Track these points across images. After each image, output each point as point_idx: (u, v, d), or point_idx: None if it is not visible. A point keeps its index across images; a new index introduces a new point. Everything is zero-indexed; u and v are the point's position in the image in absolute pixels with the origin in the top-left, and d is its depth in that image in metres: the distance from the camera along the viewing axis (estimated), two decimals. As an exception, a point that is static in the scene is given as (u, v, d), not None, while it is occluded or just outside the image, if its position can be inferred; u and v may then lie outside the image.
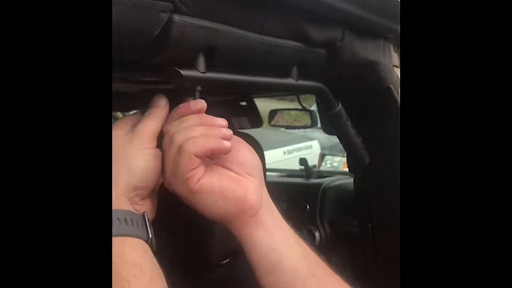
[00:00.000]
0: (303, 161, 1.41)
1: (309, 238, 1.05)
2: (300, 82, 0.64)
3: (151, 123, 0.48)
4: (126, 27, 0.37)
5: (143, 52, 0.43)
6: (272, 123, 1.84)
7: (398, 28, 0.70)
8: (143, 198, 0.47)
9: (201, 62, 0.48)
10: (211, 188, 0.46)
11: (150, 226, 0.45)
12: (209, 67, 0.49)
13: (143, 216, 0.45)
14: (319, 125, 1.51)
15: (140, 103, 0.50)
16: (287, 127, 3.65)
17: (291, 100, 3.55)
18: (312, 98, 1.19)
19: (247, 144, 0.52)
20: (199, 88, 0.49)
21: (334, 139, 1.07)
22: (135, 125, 0.49)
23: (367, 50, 0.71)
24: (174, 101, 0.50)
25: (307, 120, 1.84)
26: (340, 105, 0.80)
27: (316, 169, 1.56)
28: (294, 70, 0.63)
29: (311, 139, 4.13)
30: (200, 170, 0.46)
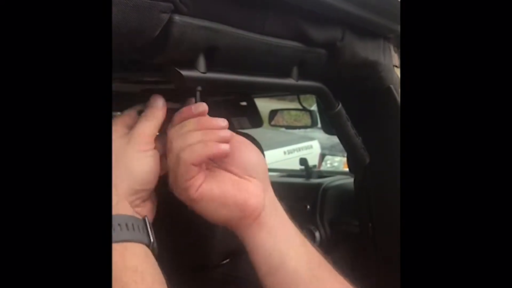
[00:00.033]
0: (303, 161, 1.41)
1: (309, 238, 1.05)
2: (300, 82, 0.64)
3: (148, 124, 0.47)
4: (126, 27, 0.37)
5: (144, 52, 0.43)
6: (273, 123, 1.84)
7: (398, 28, 0.70)
8: (144, 200, 0.47)
9: (201, 62, 0.48)
10: (211, 195, 0.47)
11: (151, 230, 0.45)
12: (210, 67, 0.49)
13: (144, 220, 0.45)
14: (319, 125, 1.50)
15: (140, 103, 0.50)
16: (287, 127, 3.65)
17: (291, 100, 3.55)
18: (312, 98, 1.19)
19: (250, 145, 0.51)
20: (199, 88, 0.49)
21: (334, 139, 1.07)
22: (130, 126, 0.48)
23: (367, 50, 0.71)
24: (174, 101, 0.51)
25: (307, 120, 1.84)
26: (340, 105, 0.80)
27: (316, 169, 1.56)
28: (294, 70, 0.63)
29: (311, 139, 4.13)
30: (200, 177, 0.46)
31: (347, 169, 1.02)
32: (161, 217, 0.49)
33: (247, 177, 0.49)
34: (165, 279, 0.43)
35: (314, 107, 1.99)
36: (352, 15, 0.60)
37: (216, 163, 0.50)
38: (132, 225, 0.43)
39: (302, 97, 1.18)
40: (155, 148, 0.47)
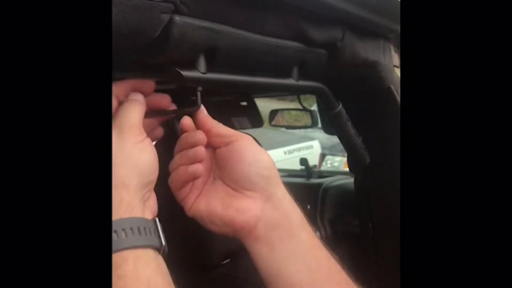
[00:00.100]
0: (303, 161, 1.41)
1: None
2: (301, 82, 0.64)
3: (135, 113, 0.45)
4: (126, 27, 0.37)
5: (144, 53, 0.43)
6: (273, 123, 1.84)
7: (398, 28, 0.70)
8: (150, 191, 0.46)
9: (201, 62, 0.48)
10: (200, 214, 0.49)
11: (162, 232, 0.43)
12: (210, 68, 0.49)
13: (155, 222, 0.43)
14: (319, 125, 1.51)
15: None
16: (288, 127, 3.65)
17: (292, 100, 3.55)
18: (313, 98, 1.19)
19: (251, 152, 0.49)
20: (200, 88, 0.49)
21: (335, 139, 1.07)
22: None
23: (367, 50, 0.71)
24: (175, 101, 0.51)
25: (307, 120, 1.84)
26: (340, 105, 0.80)
27: (316, 169, 1.56)
28: (295, 71, 0.63)
29: (312, 139, 4.13)
30: (193, 195, 0.50)
31: (347, 169, 1.02)
32: (160, 217, 0.49)
33: (241, 190, 0.49)
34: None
35: (314, 107, 1.99)
36: (352, 15, 0.60)
37: (217, 172, 0.51)
38: (144, 228, 0.41)
39: (302, 97, 1.18)
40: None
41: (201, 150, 0.48)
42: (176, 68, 0.46)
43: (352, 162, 0.95)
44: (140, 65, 0.49)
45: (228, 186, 0.50)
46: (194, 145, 0.49)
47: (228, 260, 0.78)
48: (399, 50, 0.83)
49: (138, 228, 0.40)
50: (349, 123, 0.83)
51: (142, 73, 0.54)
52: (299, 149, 3.90)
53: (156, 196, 0.49)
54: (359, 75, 0.77)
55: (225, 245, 0.74)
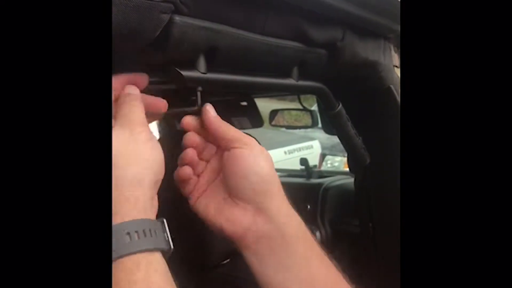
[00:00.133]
0: (303, 161, 1.41)
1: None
2: (301, 82, 0.64)
3: (139, 109, 0.44)
4: (127, 28, 0.37)
5: (144, 53, 0.43)
6: (273, 123, 1.84)
7: (399, 28, 0.70)
8: (157, 188, 0.45)
9: (201, 62, 0.48)
10: (199, 213, 0.50)
11: (169, 234, 0.42)
12: (210, 68, 0.49)
13: (163, 222, 0.42)
14: (319, 125, 1.50)
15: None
16: (288, 127, 3.65)
17: (292, 100, 3.55)
18: (313, 97, 1.19)
19: (248, 164, 0.47)
20: (200, 88, 0.49)
21: (335, 139, 1.07)
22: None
23: (367, 50, 0.71)
24: (175, 101, 0.51)
25: (307, 120, 1.84)
26: (340, 105, 0.80)
27: (316, 169, 1.56)
28: (295, 71, 0.63)
29: (312, 139, 4.13)
30: (196, 193, 0.51)
31: (347, 169, 1.02)
32: (159, 217, 0.49)
33: (235, 199, 0.48)
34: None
35: (314, 107, 1.98)
36: (353, 15, 0.60)
37: (220, 175, 0.51)
38: (155, 231, 0.39)
39: (302, 97, 1.18)
40: None
41: (187, 153, 0.49)
42: (176, 68, 0.46)
43: (352, 162, 0.95)
44: (140, 65, 0.49)
45: (226, 191, 0.50)
46: (184, 147, 0.50)
47: (228, 260, 0.78)
48: (399, 50, 0.83)
49: (150, 231, 0.39)
50: (349, 123, 0.83)
51: (142, 73, 0.54)
52: (299, 149, 3.90)
53: (158, 197, 0.49)
54: (359, 75, 0.77)
55: (225, 245, 0.74)
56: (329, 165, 3.99)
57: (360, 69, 0.74)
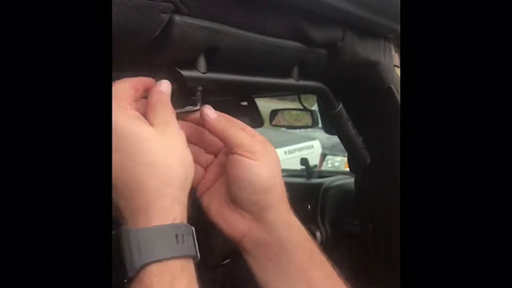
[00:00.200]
0: (304, 161, 1.41)
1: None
2: (301, 82, 0.64)
3: (167, 105, 0.43)
4: (127, 27, 0.37)
5: (144, 52, 0.43)
6: (273, 123, 1.84)
7: (399, 28, 0.70)
8: None
9: (202, 62, 0.48)
10: (204, 208, 0.50)
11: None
12: (210, 68, 0.49)
13: (192, 227, 0.41)
14: (320, 125, 1.50)
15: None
16: (288, 127, 3.65)
17: (292, 100, 3.55)
18: (313, 97, 1.19)
19: (245, 173, 0.45)
20: (200, 88, 0.49)
21: (335, 139, 1.07)
22: (140, 113, 0.42)
23: (367, 50, 0.71)
24: (175, 101, 0.51)
25: (308, 120, 1.84)
26: (340, 105, 0.80)
27: (317, 169, 1.56)
28: (295, 70, 0.63)
29: (312, 139, 4.13)
30: (203, 187, 0.50)
31: (348, 169, 1.02)
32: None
33: (234, 206, 0.48)
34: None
35: (315, 107, 1.98)
36: (353, 15, 0.60)
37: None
38: (193, 237, 0.39)
39: (303, 97, 1.18)
40: None
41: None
42: (176, 68, 0.46)
43: (352, 162, 0.95)
44: (140, 65, 0.49)
45: (228, 194, 0.49)
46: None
47: (228, 260, 0.78)
48: (399, 50, 0.83)
49: (189, 236, 0.39)
50: (350, 123, 0.83)
51: (142, 73, 0.54)
52: (300, 149, 3.90)
53: None
54: (360, 75, 0.77)
55: (225, 245, 0.74)
56: (329, 165, 3.99)
57: (360, 69, 0.74)
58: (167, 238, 0.37)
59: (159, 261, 0.36)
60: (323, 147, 4.08)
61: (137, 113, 0.41)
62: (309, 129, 3.47)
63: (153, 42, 0.41)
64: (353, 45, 0.66)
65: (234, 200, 0.47)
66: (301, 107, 1.33)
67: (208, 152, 0.51)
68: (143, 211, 0.38)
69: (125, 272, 0.36)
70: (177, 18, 0.41)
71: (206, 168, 0.51)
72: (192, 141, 0.49)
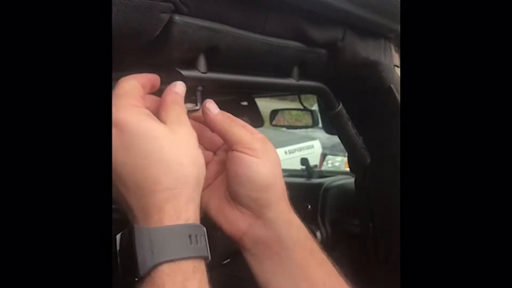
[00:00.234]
0: (304, 161, 1.41)
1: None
2: (301, 82, 0.64)
3: (181, 105, 0.43)
4: (127, 27, 0.37)
5: (144, 52, 0.43)
6: (273, 123, 1.84)
7: (399, 28, 0.70)
8: None
9: (202, 62, 0.48)
10: (202, 206, 0.48)
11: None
12: (210, 67, 0.49)
13: (204, 228, 0.40)
14: (320, 125, 1.50)
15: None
16: (289, 127, 3.65)
17: (292, 100, 3.55)
18: (314, 97, 1.19)
19: (244, 170, 0.45)
20: (200, 88, 0.49)
21: (336, 139, 1.07)
22: (152, 112, 0.42)
23: (368, 50, 0.71)
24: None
25: (308, 120, 1.84)
26: (341, 105, 0.80)
27: (317, 169, 1.56)
28: (295, 70, 0.63)
29: (313, 138, 4.13)
30: (208, 177, 0.47)
31: (348, 169, 1.02)
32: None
33: (232, 202, 0.47)
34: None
35: (315, 107, 1.98)
36: (353, 15, 0.60)
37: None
38: (204, 237, 0.39)
39: (303, 97, 1.18)
40: None
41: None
42: (177, 68, 0.46)
43: (352, 162, 0.95)
44: (140, 65, 0.49)
45: (228, 191, 0.48)
46: None
47: (228, 260, 0.78)
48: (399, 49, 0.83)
49: (201, 237, 0.39)
50: (350, 123, 0.83)
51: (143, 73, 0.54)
52: (300, 149, 3.90)
53: None
54: (360, 75, 0.77)
55: (225, 245, 0.74)
56: (329, 165, 3.99)
57: (360, 69, 0.74)
58: (181, 238, 0.37)
59: (172, 261, 0.36)
60: (323, 147, 4.09)
61: (149, 112, 0.40)
62: (309, 129, 3.47)
63: (153, 42, 0.41)
64: (353, 45, 0.66)
65: (234, 197, 0.47)
66: (301, 107, 1.33)
67: (206, 150, 0.51)
68: (155, 211, 0.37)
69: (136, 271, 0.36)
70: (177, 18, 0.41)
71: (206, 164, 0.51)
72: None
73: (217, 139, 0.49)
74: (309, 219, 1.09)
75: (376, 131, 0.87)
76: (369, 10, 0.63)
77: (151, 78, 0.44)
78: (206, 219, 0.49)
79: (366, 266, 0.96)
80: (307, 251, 0.47)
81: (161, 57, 0.44)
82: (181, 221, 0.38)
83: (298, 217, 0.49)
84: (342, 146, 0.90)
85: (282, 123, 2.03)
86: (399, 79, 0.82)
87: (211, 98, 0.49)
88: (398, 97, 0.81)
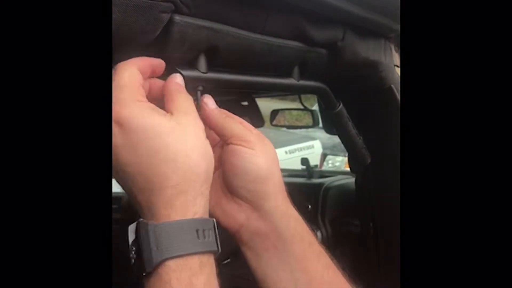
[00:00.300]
0: (304, 161, 1.41)
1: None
2: (302, 82, 0.64)
3: (186, 94, 0.43)
4: (127, 27, 0.37)
5: (144, 52, 0.43)
6: (274, 123, 1.84)
7: (399, 27, 0.70)
8: None
9: (202, 62, 0.48)
10: None
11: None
12: (210, 67, 0.49)
13: (213, 221, 0.40)
14: (320, 125, 1.50)
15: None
16: (289, 127, 3.65)
17: (293, 100, 3.55)
18: (314, 97, 1.19)
19: (241, 162, 0.45)
20: (200, 88, 0.49)
21: (336, 139, 1.08)
22: (155, 96, 0.42)
23: (368, 50, 0.71)
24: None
25: (308, 120, 1.84)
26: (341, 105, 0.80)
27: (317, 169, 1.56)
28: (296, 70, 0.63)
29: (313, 138, 4.13)
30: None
31: (348, 169, 1.02)
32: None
33: (230, 195, 0.47)
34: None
35: (315, 107, 1.98)
36: (353, 15, 0.60)
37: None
38: (214, 231, 0.39)
39: (303, 97, 1.18)
40: None
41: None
42: (177, 68, 0.46)
43: (353, 161, 0.95)
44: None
45: (225, 184, 0.48)
46: None
47: (228, 260, 0.78)
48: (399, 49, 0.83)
49: (210, 231, 0.38)
50: (350, 123, 0.83)
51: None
52: (300, 149, 3.90)
53: None
54: (360, 74, 0.77)
55: (225, 245, 0.74)
56: (330, 165, 3.99)
57: (360, 69, 0.74)
58: (187, 234, 0.37)
59: (178, 257, 0.36)
60: (324, 147, 4.09)
61: (153, 105, 0.39)
62: (309, 129, 3.47)
63: (153, 42, 0.41)
64: (353, 45, 0.66)
65: (231, 190, 0.47)
66: (301, 107, 1.33)
67: None
68: (163, 206, 0.37)
69: (143, 266, 0.36)
70: (177, 18, 0.41)
71: None
72: None
73: (213, 135, 0.49)
74: (310, 219, 1.09)
75: (376, 131, 0.87)
76: (369, 10, 0.63)
77: (152, 63, 0.43)
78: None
79: (367, 265, 0.96)
80: (305, 244, 0.47)
81: (161, 57, 0.44)
82: (189, 216, 0.37)
83: None
84: (342, 146, 0.90)
85: (282, 123, 2.03)
86: (399, 79, 0.82)
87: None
88: (398, 97, 0.81)
